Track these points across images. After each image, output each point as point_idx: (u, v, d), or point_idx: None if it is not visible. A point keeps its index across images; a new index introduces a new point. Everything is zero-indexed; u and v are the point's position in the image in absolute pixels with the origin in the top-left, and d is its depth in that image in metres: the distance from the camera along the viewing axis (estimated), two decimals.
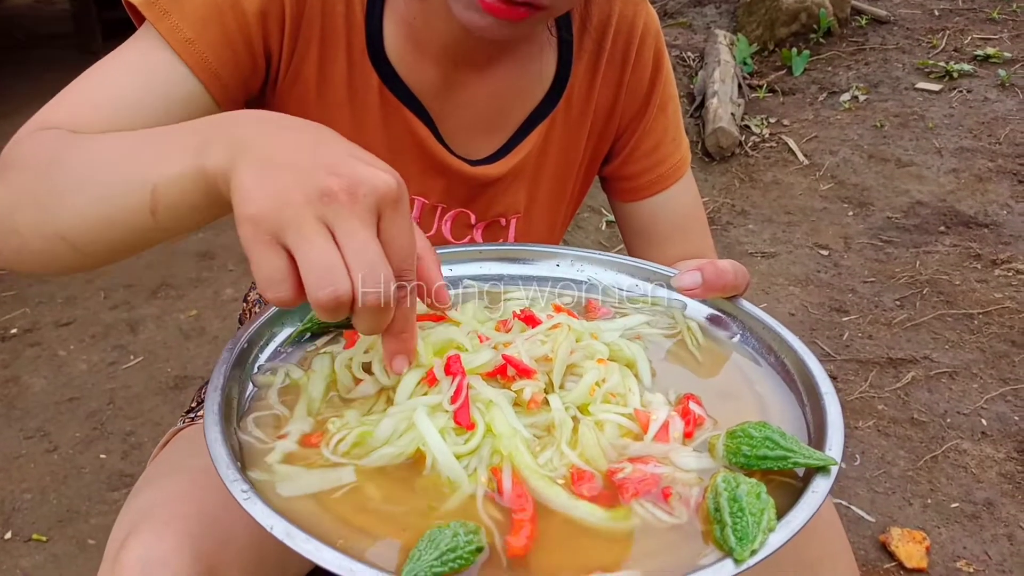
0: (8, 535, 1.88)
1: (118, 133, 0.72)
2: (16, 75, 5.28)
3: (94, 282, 2.92)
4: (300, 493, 0.59)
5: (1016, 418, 2.17)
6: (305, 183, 0.56)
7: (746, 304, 0.84)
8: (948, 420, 2.17)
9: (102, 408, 2.29)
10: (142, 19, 0.83)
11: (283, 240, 0.55)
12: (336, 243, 0.56)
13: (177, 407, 2.28)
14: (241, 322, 1.28)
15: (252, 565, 0.77)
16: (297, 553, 0.88)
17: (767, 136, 3.85)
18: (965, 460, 2.04)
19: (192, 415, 1.00)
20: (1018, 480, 1.97)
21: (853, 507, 1.90)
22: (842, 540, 0.91)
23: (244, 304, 1.26)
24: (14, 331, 2.65)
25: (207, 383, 1.09)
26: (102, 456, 2.12)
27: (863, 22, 4.56)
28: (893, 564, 1.75)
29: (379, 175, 0.57)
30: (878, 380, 2.33)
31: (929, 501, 1.93)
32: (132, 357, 2.52)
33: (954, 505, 1.91)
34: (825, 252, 3.02)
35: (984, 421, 2.16)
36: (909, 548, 1.76)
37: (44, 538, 1.87)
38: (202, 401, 1.04)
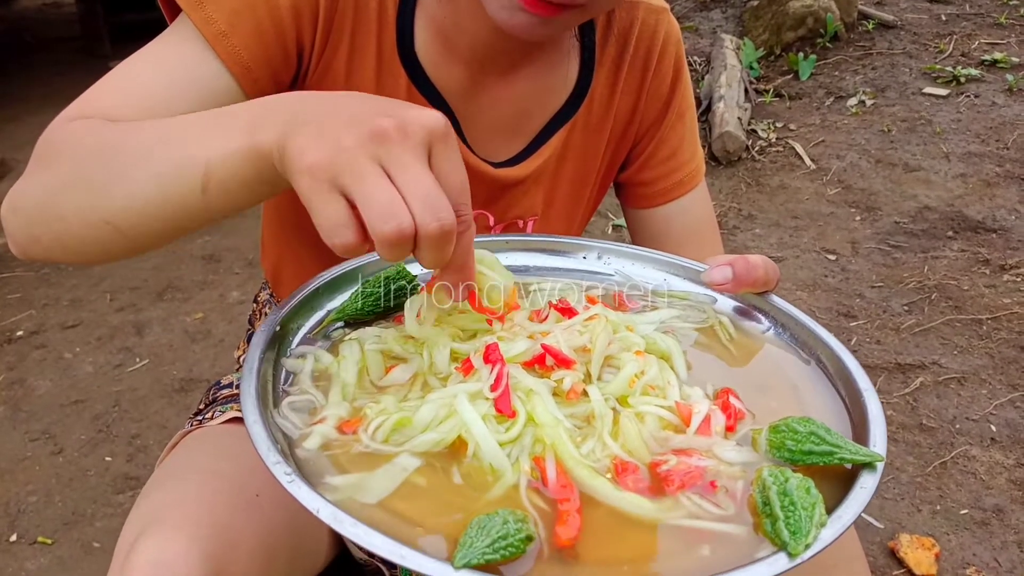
0: (13, 537, 1.87)
1: (163, 119, 0.72)
2: (24, 78, 5.29)
3: (100, 284, 2.93)
4: (381, 497, 0.57)
5: None
6: (356, 128, 0.57)
7: (778, 300, 0.83)
8: (957, 426, 2.16)
9: (108, 410, 2.29)
10: (174, 15, 0.83)
11: (340, 184, 0.56)
12: (393, 181, 0.56)
13: (183, 410, 2.28)
14: (251, 323, 1.27)
15: (261, 568, 0.76)
16: (306, 556, 0.88)
17: (774, 140, 3.85)
18: (974, 466, 2.03)
19: (200, 417, 0.99)
20: None
21: (862, 513, 1.88)
22: (856, 545, 0.90)
23: (254, 305, 1.26)
24: (20, 333, 2.65)
25: (215, 384, 1.10)
26: (108, 459, 2.11)
27: (870, 27, 4.55)
28: (902, 571, 1.74)
29: (427, 112, 0.59)
30: (886, 386, 2.32)
31: (938, 507, 1.91)
32: (138, 360, 2.51)
33: (963, 512, 1.90)
34: (832, 257, 3.01)
35: (993, 427, 2.15)
36: (918, 555, 1.75)
37: (49, 541, 1.86)
38: (211, 403, 1.04)
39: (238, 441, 0.87)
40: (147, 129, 0.71)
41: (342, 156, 0.56)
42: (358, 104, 0.62)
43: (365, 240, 0.57)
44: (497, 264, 0.75)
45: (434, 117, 0.59)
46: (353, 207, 0.57)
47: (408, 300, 0.73)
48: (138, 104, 0.78)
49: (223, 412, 0.96)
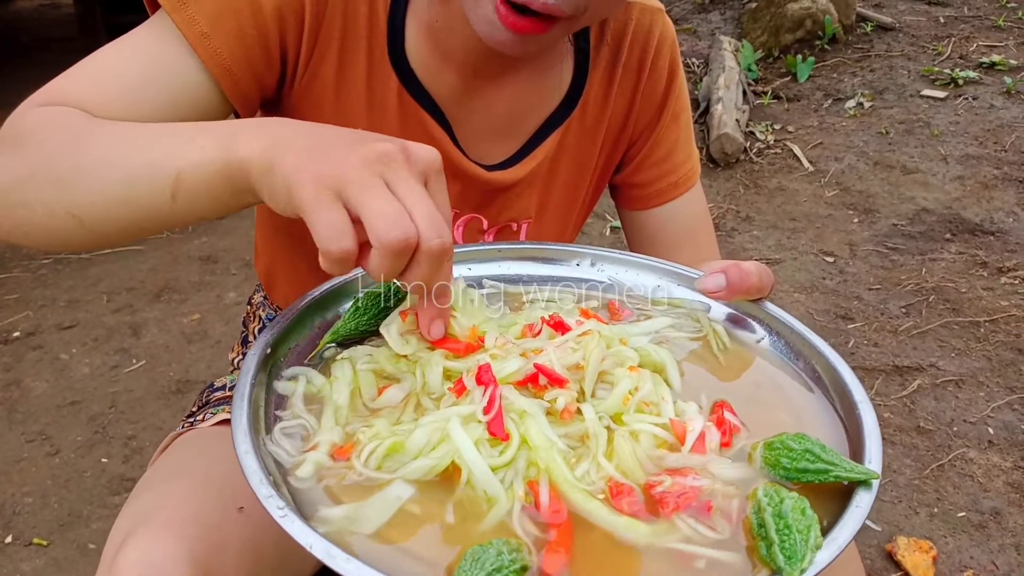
0: (9, 539, 1.87)
1: (137, 123, 0.73)
2: (21, 79, 5.29)
3: (97, 285, 2.92)
4: (376, 528, 0.56)
5: (1023, 427, 2.15)
6: (361, 150, 0.60)
7: (772, 307, 0.82)
8: (954, 428, 2.16)
9: (104, 412, 2.29)
10: (156, 6, 0.83)
11: (344, 195, 0.59)
12: (397, 198, 0.59)
13: (179, 411, 2.27)
14: (245, 325, 1.27)
15: (249, 571, 0.76)
16: (295, 559, 0.88)
17: (772, 142, 3.85)
18: (972, 469, 2.03)
19: (192, 419, 0.99)
20: None
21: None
22: (851, 548, 0.89)
23: (248, 307, 1.26)
24: (16, 334, 2.65)
25: (208, 387, 1.09)
26: (103, 460, 2.11)
27: (868, 29, 4.55)
28: (899, 574, 1.74)
29: (424, 146, 0.63)
30: (884, 388, 2.31)
31: (936, 510, 1.91)
32: (134, 361, 2.51)
33: (961, 514, 1.90)
34: (830, 259, 3.01)
35: (991, 430, 2.15)
36: (916, 557, 1.75)
37: (45, 542, 1.86)
38: (203, 405, 1.03)
39: (229, 444, 0.86)
40: (121, 129, 0.72)
41: (349, 170, 0.59)
42: (352, 133, 0.65)
43: (362, 249, 0.59)
44: (468, 303, 0.76)
45: (432, 151, 0.63)
46: (352, 220, 0.59)
47: (383, 325, 0.73)
48: (111, 95, 0.78)
49: (215, 414, 0.96)
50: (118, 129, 0.72)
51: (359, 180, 0.58)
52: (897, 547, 1.77)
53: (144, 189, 0.67)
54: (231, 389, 1.04)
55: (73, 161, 0.70)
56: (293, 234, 1.03)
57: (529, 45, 0.80)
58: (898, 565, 1.75)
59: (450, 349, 0.71)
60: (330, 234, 0.58)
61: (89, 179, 0.69)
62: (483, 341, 0.73)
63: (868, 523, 1.86)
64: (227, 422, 0.93)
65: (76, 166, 0.70)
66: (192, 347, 2.58)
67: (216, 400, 1.02)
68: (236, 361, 1.23)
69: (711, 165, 3.69)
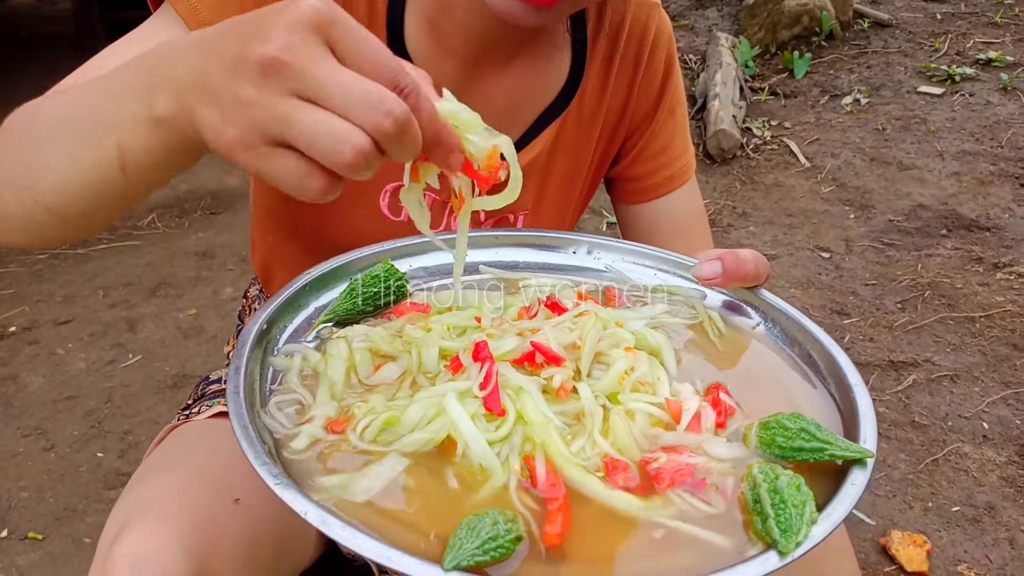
0: (4, 533, 1.87)
1: (84, 84, 0.68)
2: (18, 74, 5.28)
3: (93, 280, 2.92)
4: (370, 496, 0.57)
5: (1018, 421, 2.16)
6: (243, 73, 0.51)
7: (768, 295, 0.83)
8: (949, 423, 2.16)
9: (100, 407, 2.28)
10: (158, 2, 0.83)
11: (273, 138, 0.52)
12: (318, 104, 0.51)
13: (175, 406, 2.27)
14: (241, 319, 1.27)
15: (245, 562, 0.76)
16: (292, 551, 0.88)
17: (768, 139, 3.85)
18: (966, 463, 2.03)
19: (187, 412, 0.99)
20: (1019, 484, 1.96)
21: (853, 510, 1.88)
22: (844, 539, 0.90)
23: (244, 300, 1.26)
24: (12, 329, 2.64)
25: (204, 380, 1.09)
26: (99, 455, 2.11)
27: (865, 25, 4.55)
28: (894, 568, 1.74)
29: (298, 7, 0.52)
30: (879, 383, 2.32)
31: (930, 504, 1.92)
32: (130, 356, 2.51)
33: (955, 509, 1.90)
34: (826, 254, 3.01)
35: (985, 424, 2.15)
36: (910, 552, 1.75)
37: (40, 536, 1.86)
38: (199, 398, 1.03)
39: (224, 435, 0.86)
40: (67, 103, 0.68)
41: (254, 112, 0.51)
42: (230, 38, 0.54)
43: (333, 176, 0.53)
44: (473, 122, 0.68)
45: (309, 6, 0.52)
46: (299, 151, 0.52)
47: (403, 197, 0.68)
48: None
49: (210, 407, 0.96)
50: (64, 103, 0.68)
51: (272, 116, 0.51)
52: (891, 541, 1.77)
53: (92, 168, 0.63)
54: (226, 382, 1.04)
55: (32, 149, 0.68)
56: (288, 225, 1.03)
57: (538, 16, 0.81)
58: (892, 559, 1.75)
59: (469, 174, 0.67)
60: (294, 184, 0.52)
61: (45, 166, 0.66)
62: (500, 178, 0.68)
63: (863, 517, 1.87)
64: (222, 414, 0.93)
65: (34, 153, 0.68)
66: (188, 342, 2.58)
67: (212, 393, 1.03)
68: (231, 355, 1.23)
69: (708, 161, 3.69)
